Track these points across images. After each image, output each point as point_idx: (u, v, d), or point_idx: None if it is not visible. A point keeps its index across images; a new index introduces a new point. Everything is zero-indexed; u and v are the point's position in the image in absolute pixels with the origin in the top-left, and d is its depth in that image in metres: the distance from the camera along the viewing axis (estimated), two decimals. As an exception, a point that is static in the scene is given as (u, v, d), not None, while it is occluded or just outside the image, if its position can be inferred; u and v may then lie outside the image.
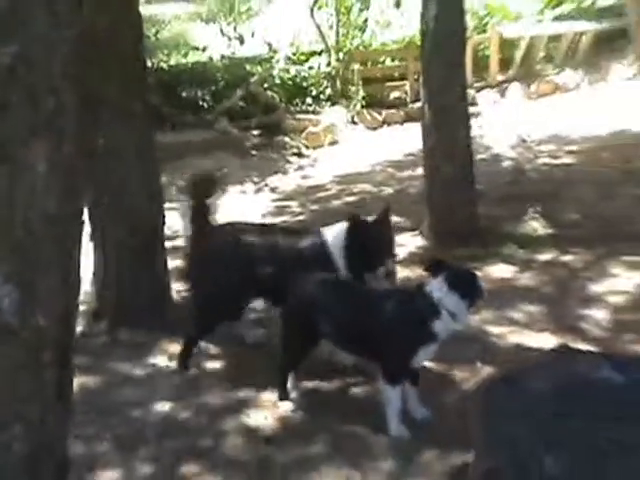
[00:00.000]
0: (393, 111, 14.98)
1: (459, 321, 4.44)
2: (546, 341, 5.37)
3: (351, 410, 4.88)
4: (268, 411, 4.92)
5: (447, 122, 7.43)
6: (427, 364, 5.22)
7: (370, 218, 5.35)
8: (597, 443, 2.78)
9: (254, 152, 13.32)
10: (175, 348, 5.85)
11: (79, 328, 5.96)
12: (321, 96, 14.79)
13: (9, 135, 2.40)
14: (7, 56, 2.38)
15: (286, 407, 4.98)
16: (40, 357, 2.51)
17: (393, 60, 15.90)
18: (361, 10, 15.80)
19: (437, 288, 4.42)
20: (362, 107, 14.71)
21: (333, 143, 13.82)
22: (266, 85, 14.41)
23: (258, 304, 5.86)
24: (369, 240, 5.15)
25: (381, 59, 15.99)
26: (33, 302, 2.47)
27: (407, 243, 7.78)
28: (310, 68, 14.95)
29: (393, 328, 4.56)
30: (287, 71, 14.70)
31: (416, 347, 4.52)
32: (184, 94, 13.71)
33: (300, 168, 12.61)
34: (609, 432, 2.82)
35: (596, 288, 6.42)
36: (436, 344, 4.56)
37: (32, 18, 2.39)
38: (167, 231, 6.62)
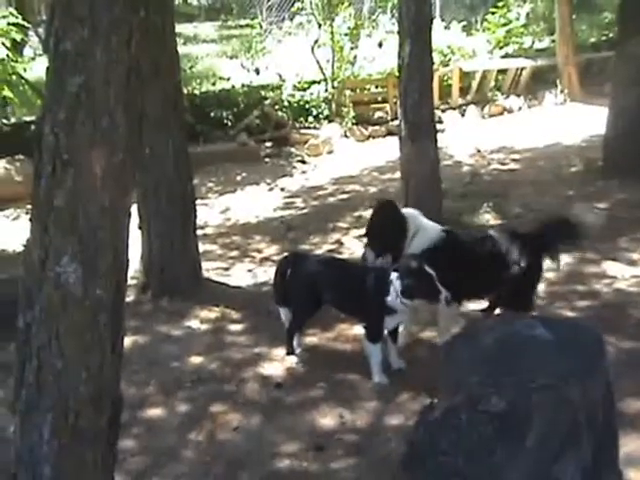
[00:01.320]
0: (377, 127, 14.93)
1: (405, 300, 4.49)
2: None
3: (343, 362, 4.91)
4: (278, 363, 4.94)
5: (419, 136, 7.43)
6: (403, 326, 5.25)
7: None
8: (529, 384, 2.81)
9: (267, 160, 13.29)
10: (205, 314, 5.88)
11: (130, 298, 5.99)
12: (320, 115, 14.74)
13: (75, 145, 2.42)
14: (74, 86, 2.41)
15: (292, 360, 5.00)
16: (98, 319, 2.52)
17: (377, 87, 15.85)
18: (352, 48, 15.76)
19: (394, 274, 4.51)
20: (352, 124, 14.66)
21: (329, 153, 13.78)
22: (277, 107, 14.38)
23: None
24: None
25: (367, 86, 15.95)
26: (93, 277, 2.48)
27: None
28: (311, 94, 14.91)
29: (367, 299, 4.64)
30: (293, 96, 14.66)
31: (381, 315, 4.57)
32: (212, 114, 13.67)
33: (303, 172, 12.58)
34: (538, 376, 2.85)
35: (535, 266, 6.43)
36: (397, 314, 4.59)
37: (92, 57, 2.40)
38: (198, 222, 6.65)
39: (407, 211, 5.19)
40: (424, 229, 4.96)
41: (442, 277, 4.57)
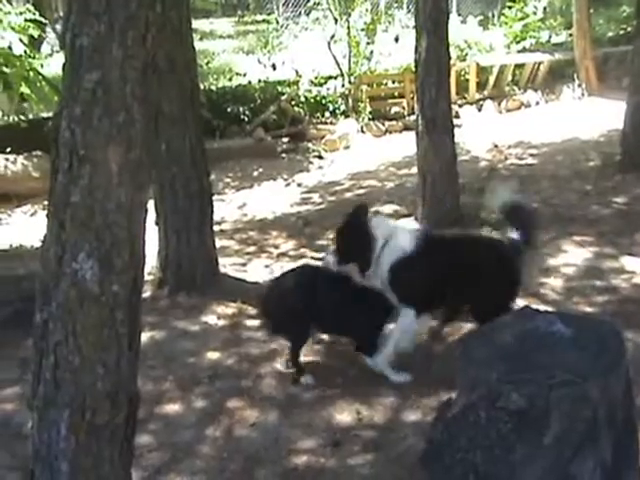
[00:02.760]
0: (393, 122, 14.90)
1: None
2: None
3: (360, 358, 4.89)
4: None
5: (436, 131, 7.41)
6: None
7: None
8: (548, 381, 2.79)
9: (284, 155, 13.28)
10: (222, 309, 5.87)
11: (147, 293, 6.00)
12: (337, 111, 14.71)
13: (91, 141, 2.41)
14: (90, 82, 2.40)
15: (309, 357, 4.98)
16: (115, 316, 2.52)
17: (393, 82, 15.81)
18: (368, 44, 15.71)
19: None
20: (369, 119, 14.63)
21: (346, 148, 13.76)
22: (293, 102, 14.35)
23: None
24: None
25: (384, 82, 15.91)
26: (109, 273, 2.48)
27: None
28: (328, 89, 14.89)
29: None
30: (310, 91, 14.63)
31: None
32: (229, 109, 13.67)
33: (320, 168, 12.57)
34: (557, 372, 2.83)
35: (552, 261, 6.40)
36: None
37: (109, 52, 2.39)
38: (215, 218, 6.64)
39: (377, 219, 4.91)
40: (395, 237, 4.65)
41: (418, 286, 4.55)
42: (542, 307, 4.91)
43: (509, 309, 4.55)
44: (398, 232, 4.71)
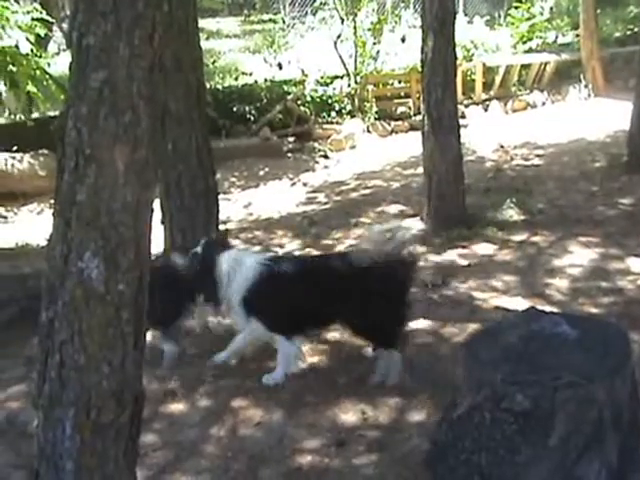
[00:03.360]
0: (399, 122, 14.90)
1: None
2: (519, 304, 5.35)
3: (365, 358, 4.88)
4: (300, 360, 4.91)
5: (442, 131, 7.40)
6: (425, 323, 5.24)
7: None
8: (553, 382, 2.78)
9: (289, 154, 13.29)
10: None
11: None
12: (343, 110, 14.72)
13: (97, 141, 2.41)
14: (97, 81, 2.39)
15: (314, 358, 4.98)
16: (121, 315, 2.52)
17: (399, 82, 15.81)
18: (374, 43, 15.72)
19: None
20: (375, 119, 14.64)
21: (352, 148, 13.77)
22: (299, 102, 14.36)
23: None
24: None
25: (390, 81, 15.92)
26: (115, 272, 2.48)
27: (410, 227, 7.75)
28: (334, 89, 14.89)
29: None
30: (316, 91, 14.64)
31: None
32: (235, 109, 13.69)
33: (326, 167, 12.58)
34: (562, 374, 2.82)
35: (558, 262, 6.39)
36: None
37: (115, 52, 2.39)
38: (220, 217, 6.64)
39: (227, 252, 4.85)
40: (239, 268, 4.68)
41: (271, 312, 4.60)
42: (547, 308, 4.91)
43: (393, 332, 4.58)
44: (241, 264, 4.72)
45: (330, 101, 14.82)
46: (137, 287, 2.56)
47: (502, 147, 12.06)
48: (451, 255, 6.82)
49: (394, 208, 8.64)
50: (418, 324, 5.27)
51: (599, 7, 16.92)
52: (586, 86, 16.16)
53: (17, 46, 8.26)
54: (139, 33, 2.42)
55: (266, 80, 14.79)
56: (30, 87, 8.86)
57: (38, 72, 8.83)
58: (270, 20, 18.68)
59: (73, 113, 2.44)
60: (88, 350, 2.49)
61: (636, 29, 17.01)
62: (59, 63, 12.73)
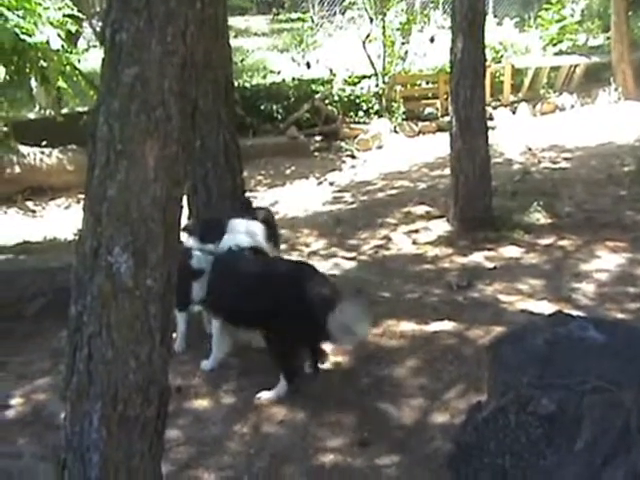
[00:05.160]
0: (427, 123, 14.89)
1: None
2: (545, 308, 5.32)
3: (389, 358, 4.88)
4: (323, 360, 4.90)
5: (470, 132, 7.38)
6: (449, 324, 5.22)
7: None
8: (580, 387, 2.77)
9: (316, 154, 13.32)
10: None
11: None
12: (370, 110, 14.72)
13: (128, 136, 2.42)
14: (129, 77, 2.41)
15: (338, 357, 4.97)
16: (149, 310, 2.53)
17: (427, 83, 15.80)
18: (403, 44, 15.70)
19: None
20: (402, 120, 14.63)
21: (379, 148, 13.77)
22: (327, 101, 14.38)
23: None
24: None
25: (418, 82, 15.90)
26: (144, 267, 2.49)
27: (436, 228, 7.75)
28: (362, 88, 14.90)
29: None
30: (343, 90, 14.65)
31: None
32: (262, 107, 13.74)
33: (353, 167, 12.59)
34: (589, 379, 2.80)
35: (585, 266, 6.35)
36: None
37: (148, 48, 2.40)
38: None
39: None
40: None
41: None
42: (573, 312, 4.87)
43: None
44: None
45: (358, 101, 14.82)
46: (165, 282, 2.57)
47: (530, 150, 12.00)
48: (477, 257, 6.80)
49: (420, 209, 8.61)
50: (443, 326, 5.26)
51: (631, 10, 16.78)
52: (616, 89, 16.04)
53: (48, 42, 8.30)
54: (172, 30, 2.43)
55: (294, 79, 14.82)
56: (60, 83, 8.91)
57: (68, 68, 8.87)
58: (299, 19, 18.69)
59: (105, 108, 2.45)
60: (116, 344, 2.51)
61: (668, 33, 16.90)
62: (89, 59, 12.81)
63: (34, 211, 10.74)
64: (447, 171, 8.21)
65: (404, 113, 14.75)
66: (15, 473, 3.84)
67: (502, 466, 2.81)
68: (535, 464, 2.75)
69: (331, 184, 11.16)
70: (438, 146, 11.96)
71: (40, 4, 8.49)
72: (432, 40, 16.01)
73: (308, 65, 15.74)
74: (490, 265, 6.56)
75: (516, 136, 13.14)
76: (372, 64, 15.21)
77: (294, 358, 4.57)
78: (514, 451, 2.79)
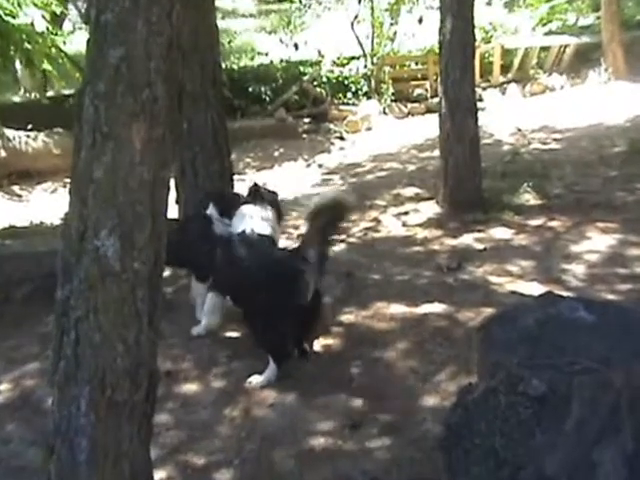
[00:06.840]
0: (416, 104, 14.89)
1: None
2: (535, 289, 5.32)
3: (379, 341, 4.89)
4: (316, 341, 4.91)
5: (459, 113, 7.37)
6: (440, 306, 5.23)
7: None
8: (570, 367, 2.78)
9: (305, 136, 13.30)
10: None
11: (168, 272, 6.01)
12: (359, 92, 14.72)
13: (114, 118, 2.41)
14: (115, 58, 2.40)
15: (328, 340, 4.98)
16: (136, 293, 2.53)
17: (416, 64, 15.79)
18: (391, 24, 15.69)
19: None
20: (391, 101, 14.64)
21: (368, 129, 13.76)
22: (315, 83, 14.36)
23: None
24: None
25: (407, 63, 15.88)
26: (131, 251, 2.48)
27: (426, 209, 7.75)
28: (350, 70, 14.89)
29: None
30: (332, 72, 14.64)
31: None
32: (250, 89, 13.71)
33: (341, 149, 12.58)
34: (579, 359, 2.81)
35: (575, 248, 6.35)
36: None
37: (133, 28, 2.39)
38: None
39: None
40: None
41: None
42: (564, 293, 4.89)
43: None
44: None
45: (346, 82, 14.81)
46: (152, 265, 2.56)
47: (519, 130, 12.01)
48: (467, 239, 6.80)
49: (410, 191, 8.62)
50: (433, 308, 5.27)
51: (621, -11, 16.79)
52: (606, 69, 16.03)
53: (33, 24, 8.26)
54: (157, 10, 2.41)
55: (282, 60, 14.79)
56: (45, 65, 8.88)
57: (54, 50, 8.84)
58: (287, 0, 18.63)
59: (90, 90, 2.44)
60: (103, 328, 2.50)
61: (658, 12, 16.88)
62: (74, 41, 12.73)
63: (20, 195, 10.69)
64: (436, 153, 8.20)
65: (393, 94, 14.75)
66: (4, 458, 3.84)
67: (492, 447, 2.82)
68: (525, 444, 2.76)
69: (320, 166, 11.14)
70: (427, 127, 11.94)
71: (24, -15, 8.45)
72: (421, 21, 15.98)
73: (296, 47, 15.70)
74: (480, 247, 6.57)
75: (506, 117, 13.16)
76: (361, 45, 15.19)
77: (282, 341, 4.57)
78: (504, 432, 2.80)
